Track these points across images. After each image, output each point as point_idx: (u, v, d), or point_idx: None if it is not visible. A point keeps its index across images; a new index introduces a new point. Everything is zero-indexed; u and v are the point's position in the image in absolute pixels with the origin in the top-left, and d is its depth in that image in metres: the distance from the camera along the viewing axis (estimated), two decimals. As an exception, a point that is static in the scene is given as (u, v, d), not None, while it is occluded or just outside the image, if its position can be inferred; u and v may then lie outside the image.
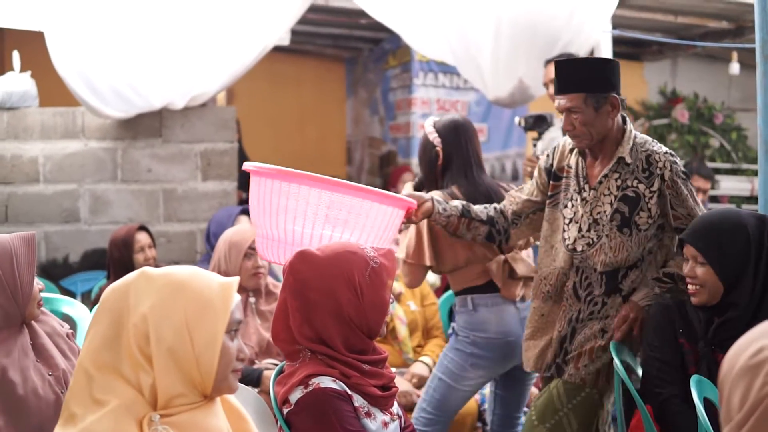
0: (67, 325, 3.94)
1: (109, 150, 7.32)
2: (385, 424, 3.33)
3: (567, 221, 4.39)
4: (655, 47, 11.08)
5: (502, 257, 4.87)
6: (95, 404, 2.38)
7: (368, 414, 3.27)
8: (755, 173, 10.87)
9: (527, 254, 5.03)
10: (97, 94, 6.80)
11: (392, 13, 7.31)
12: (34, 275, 3.65)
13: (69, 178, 7.27)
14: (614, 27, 7.54)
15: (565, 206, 4.40)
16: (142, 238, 6.23)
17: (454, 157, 4.95)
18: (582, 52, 7.08)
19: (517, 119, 6.95)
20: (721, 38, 9.83)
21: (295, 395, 3.19)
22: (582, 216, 4.33)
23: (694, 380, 3.65)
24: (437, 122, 5.04)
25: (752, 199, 10.89)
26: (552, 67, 6.75)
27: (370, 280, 3.30)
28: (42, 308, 3.77)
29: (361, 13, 8.22)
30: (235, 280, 2.51)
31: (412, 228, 4.90)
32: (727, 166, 11.01)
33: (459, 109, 10.31)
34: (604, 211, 4.27)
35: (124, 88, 6.84)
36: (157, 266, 5.91)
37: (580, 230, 4.33)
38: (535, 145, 6.88)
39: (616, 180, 4.28)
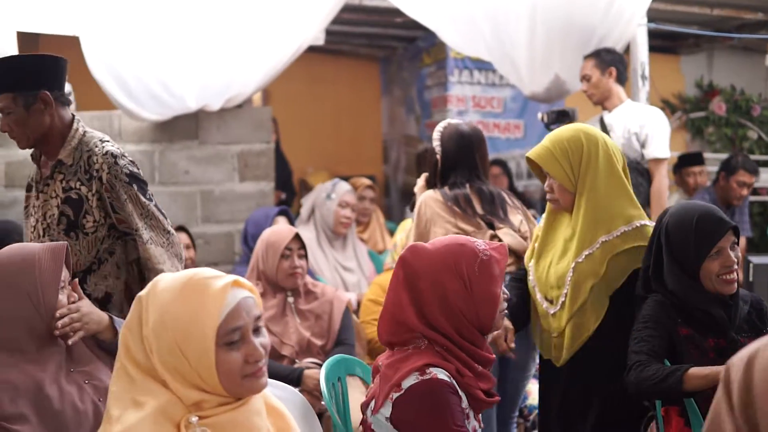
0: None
1: (147, 153, 7.33)
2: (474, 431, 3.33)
3: (32, 229, 4.30)
4: (691, 40, 11.00)
5: (490, 232, 4.91)
6: (134, 406, 2.40)
7: (467, 417, 3.26)
8: (793, 165, 10.83)
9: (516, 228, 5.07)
10: (133, 97, 6.82)
11: (427, 11, 7.30)
12: (59, 287, 3.59)
13: (107, 181, 7.28)
14: (650, 20, 7.49)
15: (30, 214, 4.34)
16: (181, 238, 6.25)
17: (451, 164, 5.10)
18: (618, 45, 7.05)
19: (539, 114, 6.96)
20: (757, 30, 9.76)
21: (409, 381, 3.19)
22: (37, 221, 4.25)
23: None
24: (446, 128, 5.21)
25: (790, 192, 10.82)
26: (589, 62, 6.77)
27: (479, 272, 3.31)
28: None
29: (396, 12, 8.21)
30: (230, 279, 2.49)
31: (412, 228, 5.09)
32: (766, 157, 10.91)
33: (495, 105, 10.28)
34: (53, 214, 4.19)
35: (159, 90, 6.86)
36: (195, 267, 5.97)
37: (38, 236, 4.24)
38: None
39: (60, 182, 4.19)
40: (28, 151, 4.40)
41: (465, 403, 3.26)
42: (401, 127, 12.00)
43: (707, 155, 9.55)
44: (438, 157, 5.12)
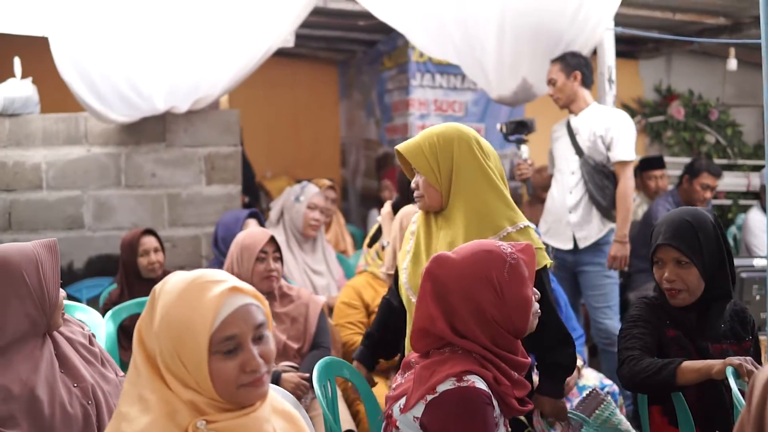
0: (87, 327, 3.91)
1: (113, 155, 7.28)
2: None
3: None
4: (650, 45, 11.09)
5: None
6: (140, 402, 2.40)
7: (497, 425, 3.23)
8: (751, 168, 10.96)
9: None
10: (102, 98, 6.76)
11: (397, 15, 7.30)
12: (59, 283, 3.62)
13: (72, 184, 7.23)
14: (613, 24, 7.55)
15: None
16: (147, 241, 6.23)
17: None
18: (585, 50, 7.10)
19: (498, 125, 7.03)
20: (717, 35, 9.86)
21: (445, 386, 3.14)
22: None
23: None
24: None
25: (749, 195, 10.93)
26: (555, 66, 6.81)
27: (509, 276, 3.26)
28: (65, 315, 3.75)
29: (360, 15, 8.19)
30: (225, 289, 2.46)
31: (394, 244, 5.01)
32: (723, 162, 11.03)
33: (456, 109, 10.29)
34: None
35: (128, 91, 6.80)
36: (165, 271, 5.97)
37: None
38: (519, 148, 6.96)
39: None
40: None
41: (497, 411, 3.22)
42: (360, 131, 12.00)
43: (666, 159, 9.61)
44: None
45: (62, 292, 3.65)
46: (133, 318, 5.85)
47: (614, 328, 6.61)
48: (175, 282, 2.48)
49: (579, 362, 5.77)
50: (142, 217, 7.29)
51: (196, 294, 2.43)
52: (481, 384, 3.15)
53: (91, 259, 7.28)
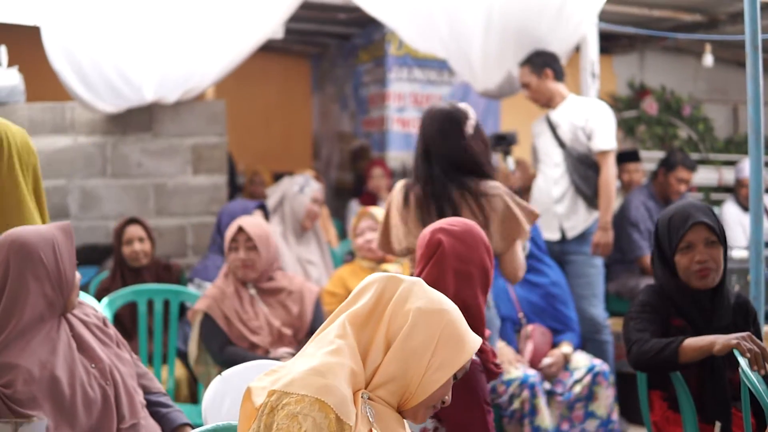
0: (100, 310, 3.96)
1: (99, 145, 7.29)
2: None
3: None
4: (624, 40, 11.20)
5: None
6: (330, 345, 2.47)
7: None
8: (723, 163, 11.09)
9: None
10: (91, 88, 6.78)
11: (384, 8, 7.35)
12: (75, 264, 3.68)
13: (58, 173, 7.22)
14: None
15: None
16: (131, 230, 6.24)
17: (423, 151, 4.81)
18: (570, 44, 7.16)
19: None
20: (692, 31, 9.95)
21: None
22: None
23: None
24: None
25: (720, 189, 11.03)
26: (525, 69, 6.89)
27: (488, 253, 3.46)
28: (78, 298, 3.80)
29: (340, 8, 8.23)
30: (479, 342, 2.56)
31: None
32: (695, 156, 11.13)
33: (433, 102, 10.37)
34: None
35: (117, 81, 6.82)
36: (154, 260, 5.99)
37: None
38: (505, 161, 7.03)
39: None
40: None
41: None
42: (334, 124, 12.04)
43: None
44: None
45: (77, 274, 3.71)
46: (126, 307, 5.89)
47: (599, 317, 6.69)
48: (443, 295, 2.60)
49: (569, 348, 5.84)
50: (128, 207, 7.29)
51: (462, 327, 2.54)
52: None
53: (77, 248, 7.23)
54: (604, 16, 8.38)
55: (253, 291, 5.35)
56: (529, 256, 5.76)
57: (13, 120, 6.97)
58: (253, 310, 5.30)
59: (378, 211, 6.44)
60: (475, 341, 2.51)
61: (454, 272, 3.39)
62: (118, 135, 7.31)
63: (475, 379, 3.22)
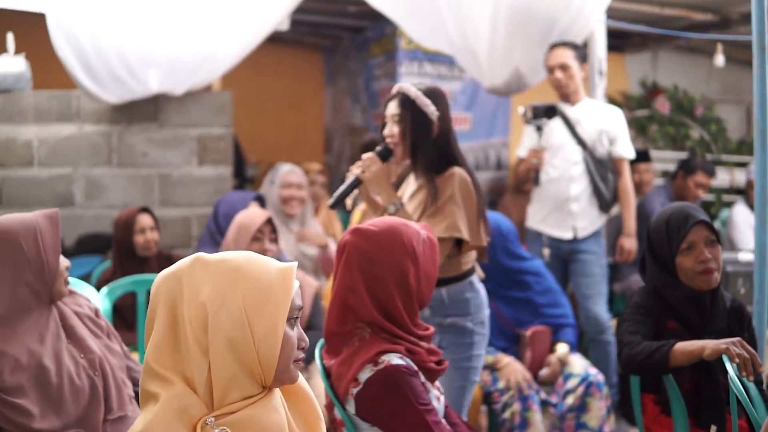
0: (92, 302, 3.95)
1: (104, 134, 7.29)
2: (438, 399, 3.38)
3: None
4: (637, 39, 11.15)
5: None
6: (151, 399, 2.34)
7: (428, 389, 3.30)
8: (735, 164, 11.03)
9: None
10: (96, 78, 6.77)
11: (390, 3, 7.31)
12: (60, 251, 3.68)
13: (63, 161, 7.23)
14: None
15: None
16: (143, 219, 6.22)
17: (447, 132, 4.50)
18: (578, 40, 7.09)
19: (521, 109, 6.81)
20: (704, 31, 9.90)
21: (365, 374, 3.22)
22: None
23: None
24: (423, 91, 4.44)
25: (731, 191, 10.98)
26: (555, 52, 6.75)
27: (424, 250, 3.40)
28: (69, 287, 3.79)
29: (349, 1, 8.19)
30: (294, 265, 2.43)
31: (457, 206, 4.37)
32: (708, 157, 11.09)
33: (444, 98, 10.33)
34: None
35: (123, 73, 6.81)
36: (159, 250, 5.98)
37: None
38: (539, 134, 6.83)
39: None
40: None
41: (422, 378, 3.32)
42: (346, 117, 12.00)
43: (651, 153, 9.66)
44: (435, 123, 4.43)
45: (65, 261, 3.72)
46: (126, 297, 5.87)
47: (603, 317, 6.65)
48: (227, 257, 2.42)
49: (564, 349, 5.81)
50: (133, 197, 7.30)
51: (265, 263, 2.43)
52: (396, 360, 3.25)
53: (82, 237, 7.28)
54: (615, 14, 8.36)
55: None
56: (508, 271, 5.76)
57: (19, 107, 7.04)
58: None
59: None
60: (280, 278, 2.38)
61: (362, 273, 3.35)
62: (123, 124, 7.31)
63: (400, 383, 3.19)
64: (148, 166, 7.37)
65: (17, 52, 7.23)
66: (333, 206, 4.52)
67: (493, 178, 10.49)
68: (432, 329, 3.50)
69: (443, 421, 3.31)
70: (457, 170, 4.41)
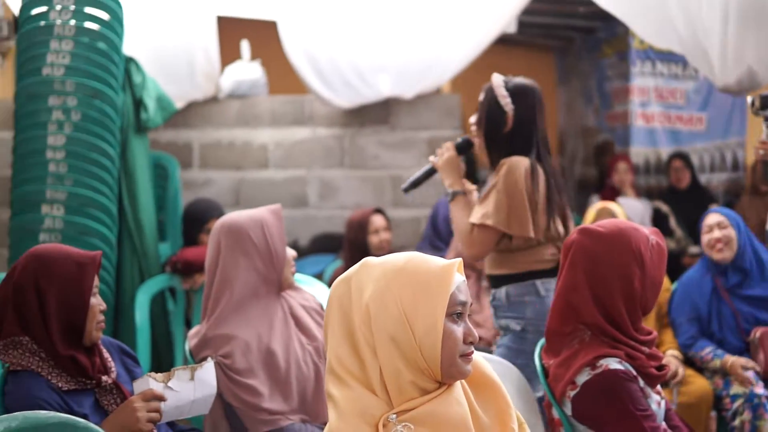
0: (317, 299, 4.11)
1: (337, 137, 7.49)
2: (658, 404, 3.35)
3: None
4: None
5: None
6: (330, 401, 2.39)
7: (647, 395, 3.28)
8: None
9: None
10: (328, 84, 6.99)
11: (618, 2, 7.24)
12: (285, 242, 3.94)
13: (297, 164, 7.47)
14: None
15: None
16: (377, 220, 6.36)
17: (524, 128, 4.41)
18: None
19: (749, 99, 6.59)
20: None
21: (582, 377, 3.20)
22: None
23: None
24: (509, 83, 4.47)
25: None
26: None
27: (652, 255, 3.31)
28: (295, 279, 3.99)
29: (578, 1, 8.16)
30: (456, 261, 2.43)
31: (498, 194, 4.24)
32: None
33: (678, 97, 10.15)
34: None
35: (354, 79, 7.01)
36: (391, 250, 6.12)
37: None
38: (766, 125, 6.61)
39: None
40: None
41: (642, 383, 3.27)
42: (579, 118, 11.92)
43: None
44: (509, 115, 4.39)
45: (292, 252, 3.99)
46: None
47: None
48: (389, 259, 2.46)
49: None
50: (365, 198, 7.47)
51: (425, 261, 2.44)
52: (615, 364, 3.19)
53: (316, 236, 7.49)
54: None
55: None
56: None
57: (255, 112, 7.30)
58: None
59: (615, 207, 6.35)
60: (439, 275, 2.37)
61: (586, 273, 3.32)
62: (355, 127, 7.50)
63: (617, 388, 3.16)
64: (380, 168, 7.53)
65: (252, 58, 7.49)
66: (406, 190, 4.63)
67: (729, 179, 10.25)
68: (655, 334, 3.45)
69: (663, 425, 3.29)
70: (511, 160, 4.28)
